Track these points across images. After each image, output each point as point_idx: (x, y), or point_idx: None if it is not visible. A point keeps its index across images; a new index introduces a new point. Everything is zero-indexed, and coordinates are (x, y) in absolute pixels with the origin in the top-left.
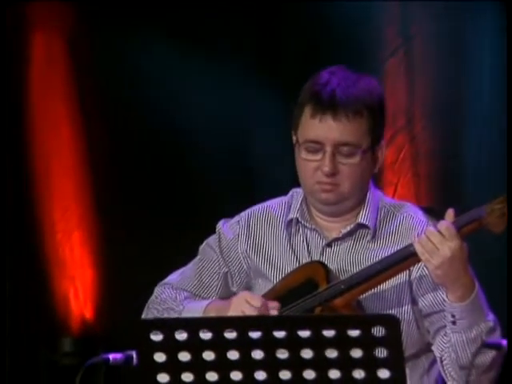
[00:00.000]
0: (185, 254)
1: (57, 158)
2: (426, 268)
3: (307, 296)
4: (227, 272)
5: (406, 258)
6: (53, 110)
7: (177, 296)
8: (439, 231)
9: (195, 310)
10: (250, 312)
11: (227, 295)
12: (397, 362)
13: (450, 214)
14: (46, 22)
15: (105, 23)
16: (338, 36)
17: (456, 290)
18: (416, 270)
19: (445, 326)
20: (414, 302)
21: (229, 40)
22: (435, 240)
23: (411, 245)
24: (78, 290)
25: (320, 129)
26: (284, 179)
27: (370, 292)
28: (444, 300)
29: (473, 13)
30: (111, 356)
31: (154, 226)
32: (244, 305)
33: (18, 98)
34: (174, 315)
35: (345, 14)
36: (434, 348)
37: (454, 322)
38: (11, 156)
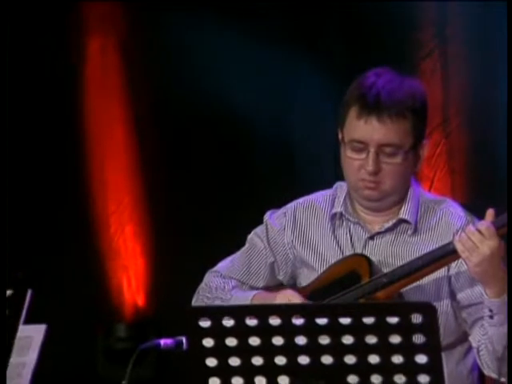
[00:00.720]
0: (232, 242)
1: (111, 156)
2: (465, 264)
3: (350, 288)
4: (273, 261)
5: (447, 254)
6: (107, 111)
7: (225, 285)
8: (479, 230)
9: (243, 299)
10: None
11: (273, 283)
12: (434, 348)
13: (490, 213)
14: (100, 25)
15: (156, 23)
16: (376, 35)
17: (493, 285)
18: (454, 266)
19: (481, 318)
20: (452, 295)
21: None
22: (475, 239)
23: (451, 242)
24: (130, 279)
25: (365, 130)
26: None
27: (410, 286)
28: (481, 294)
29: (505, 13)
30: (162, 341)
31: (201, 218)
32: (288, 299)
33: (75, 100)
34: (219, 303)
35: (383, 14)
36: (471, 338)
37: (491, 317)
38: (69, 156)
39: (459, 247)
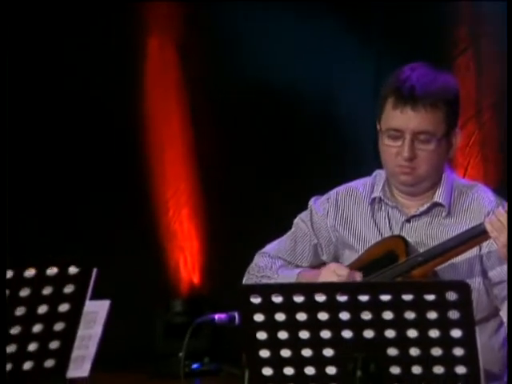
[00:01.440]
0: (280, 225)
1: (169, 146)
2: (495, 244)
3: (389, 267)
4: (317, 243)
5: (478, 235)
6: (165, 105)
7: (272, 265)
8: (508, 212)
9: (289, 277)
10: (337, 280)
11: (317, 263)
12: (468, 323)
13: None
14: (159, 25)
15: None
16: (415, 33)
17: None
18: (485, 246)
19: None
20: (484, 273)
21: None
22: (504, 220)
23: (482, 223)
24: (186, 258)
25: (401, 119)
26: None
27: (444, 264)
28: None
29: None
30: (217, 316)
31: (251, 202)
32: (332, 274)
33: (137, 96)
34: (268, 281)
35: (422, 12)
36: (501, 313)
37: None
38: (130, 146)
39: (489, 228)
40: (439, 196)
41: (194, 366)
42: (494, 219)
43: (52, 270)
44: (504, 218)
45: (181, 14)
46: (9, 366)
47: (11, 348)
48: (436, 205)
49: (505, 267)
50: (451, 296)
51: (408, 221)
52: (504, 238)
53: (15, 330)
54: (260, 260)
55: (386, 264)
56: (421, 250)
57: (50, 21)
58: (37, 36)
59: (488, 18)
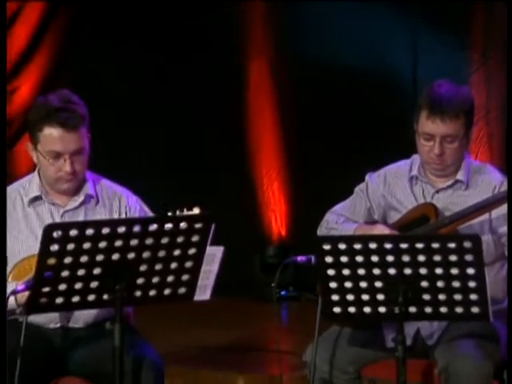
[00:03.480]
0: (346, 191)
1: (264, 137)
2: (502, 211)
3: (422, 226)
4: (370, 206)
5: (498, 200)
6: (261, 107)
7: (338, 220)
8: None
9: (349, 229)
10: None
11: (369, 220)
12: (478, 264)
13: None
14: (256, 48)
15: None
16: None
17: None
18: (494, 213)
19: None
20: (492, 230)
21: None
22: None
23: (502, 193)
24: (276, 218)
25: (432, 127)
26: None
27: (464, 224)
28: None
29: None
30: (299, 258)
31: (324, 176)
32: (379, 232)
33: (243, 101)
34: (335, 233)
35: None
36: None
37: None
38: (238, 137)
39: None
40: (460, 175)
41: (283, 293)
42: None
43: (184, 224)
44: None
45: (272, 36)
46: (153, 292)
47: (155, 279)
48: (457, 181)
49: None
50: (467, 244)
51: (437, 192)
52: None
53: (158, 267)
54: (329, 216)
55: (421, 223)
56: (446, 214)
57: (165, 45)
58: (151, 62)
59: (495, 44)
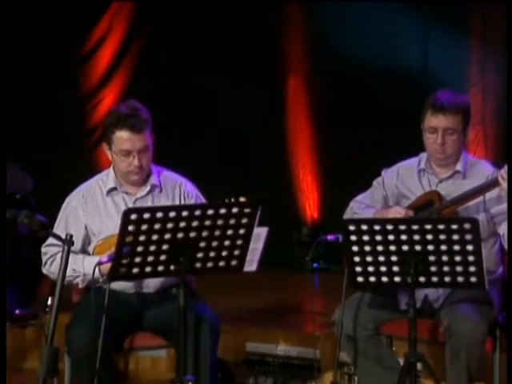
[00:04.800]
0: (365, 183)
1: (300, 138)
2: (494, 194)
3: (429, 208)
4: (385, 195)
5: (491, 185)
6: (298, 113)
7: (359, 206)
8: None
9: (369, 213)
10: (399, 216)
11: (386, 206)
12: (476, 242)
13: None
14: (294, 62)
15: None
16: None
17: None
18: (488, 195)
19: (504, 219)
20: (486, 210)
21: None
22: (506, 175)
23: (496, 177)
24: (310, 204)
25: (436, 121)
26: None
27: (462, 206)
28: (504, 207)
29: None
30: (328, 236)
31: (349, 170)
32: (395, 213)
33: (281, 106)
34: (358, 216)
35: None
36: (499, 230)
37: None
38: (279, 139)
39: (499, 178)
40: (459, 166)
41: (315, 265)
42: (503, 171)
43: (236, 209)
44: (505, 174)
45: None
46: (210, 264)
47: (212, 253)
48: (456, 172)
49: (501, 206)
50: (467, 226)
51: (440, 181)
52: (505, 184)
53: (214, 244)
54: (353, 204)
55: (428, 207)
56: (448, 198)
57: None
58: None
59: (490, 61)
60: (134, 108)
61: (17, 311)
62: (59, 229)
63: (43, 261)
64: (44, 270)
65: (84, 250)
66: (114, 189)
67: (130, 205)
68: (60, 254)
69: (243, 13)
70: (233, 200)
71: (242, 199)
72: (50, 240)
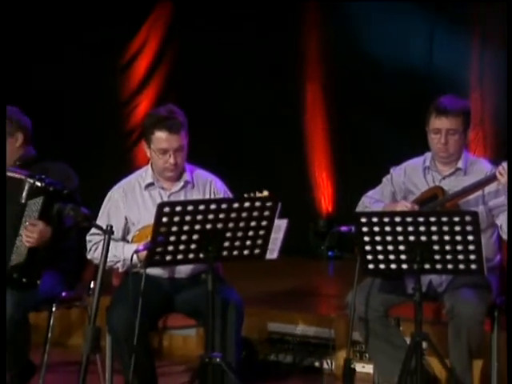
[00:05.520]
0: (375, 180)
1: (316, 140)
2: (492, 188)
3: (433, 202)
4: (394, 191)
5: (489, 179)
6: (315, 122)
7: (370, 201)
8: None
9: (379, 207)
10: (405, 209)
11: (394, 200)
12: (476, 232)
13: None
14: (311, 73)
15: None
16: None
17: None
18: (487, 189)
19: (504, 211)
20: (485, 203)
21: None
22: (503, 171)
23: (494, 173)
24: (325, 198)
25: (439, 123)
26: None
27: (463, 200)
28: (502, 200)
29: None
30: (342, 228)
31: (359, 170)
32: (402, 206)
33: (299, 112)
34: (369, 210)
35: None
36: (497, 221)
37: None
38: (299, 141)
39: (497, 174)
40: (460, 164)
41: (330, 253)
42: (500, 168)
43: (258, 203)
44: (504, 169)
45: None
46: (235, 252)
47: (237, 243)
48: (458, 169)
49: (499, 199)
50: (468, 218)
51: (443, 178)
52: (504, 179)
53: (239, 234)
54: (364, 199)
55: (432, 200)
56: (450, 193)
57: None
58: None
59: (488, 67)
60: (172, 111)
61: (63, 294)
62: (102, 219)
63: (88, 248)
64: (89, 256)
65: (124, 238)
66: (151, 184)
67: (165, 198)
68: (102, 242)
69: (265, 23)
70: (257, 193)
71: (265, 192)
72: (94, 229)
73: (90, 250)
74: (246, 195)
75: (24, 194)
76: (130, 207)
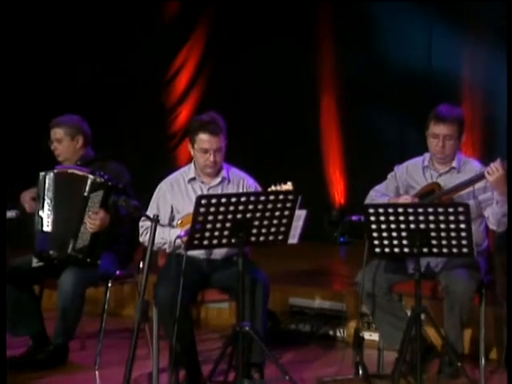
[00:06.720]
0: (381, 177)
1: (330, 135)
2: (482, 184)
3: (431, 195)
4: (397, 186)
5: (478, 178)
6: (329, 119)
7: (377, 194)
8: (495, 166)
9: (384, 199)
10: (407, 202)
11: (397, 194)
12: (467, 221)
13: (499, 161)
14: (325, 82)
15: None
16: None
17: (499, 190)
18: (477, 185)
19: (490, 204)
20: (475, 197)
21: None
22: (495, 168)
23: (483, 172)
24: (338, 192)
25: (437, 129)
26: None
27: (457, 194)
28: (490, 195)
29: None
30: (353, 217)
31: (368, 169)
32: (404, 199)
33: (315, 117)
34: (376, 202)
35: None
36: (484, 213)
37: (497, 202)
38: (314, 135)
39: (486, 174)
40: (454, 163)
41: (341, 239)
42: (489, 168)
43: (281, 196)
44: (494, 166)
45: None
46: (262, 238)
47: (264, 230)
48: (452, 168)
49: (487, 194)
50: (460, 209)
51: (440, 175)
52: (493, 177)
53: (265, 222)
54: (372, 193)
55: (430, 194)
56: (446, 188)
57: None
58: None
59: (476, 82)
60: (213, 117)
61: (117, 272)
62: (152, 208)
63: (140, 232)
64: (140, 239)
65: (170, 224)
66: (193, 178)
67: (205, 191)
68: (150, 228)
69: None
70: (282, 184)
71: (289, 183)
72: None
73: (142, 233)
74: (273, 186)
75: (87, 189)
76: (176, 197)
